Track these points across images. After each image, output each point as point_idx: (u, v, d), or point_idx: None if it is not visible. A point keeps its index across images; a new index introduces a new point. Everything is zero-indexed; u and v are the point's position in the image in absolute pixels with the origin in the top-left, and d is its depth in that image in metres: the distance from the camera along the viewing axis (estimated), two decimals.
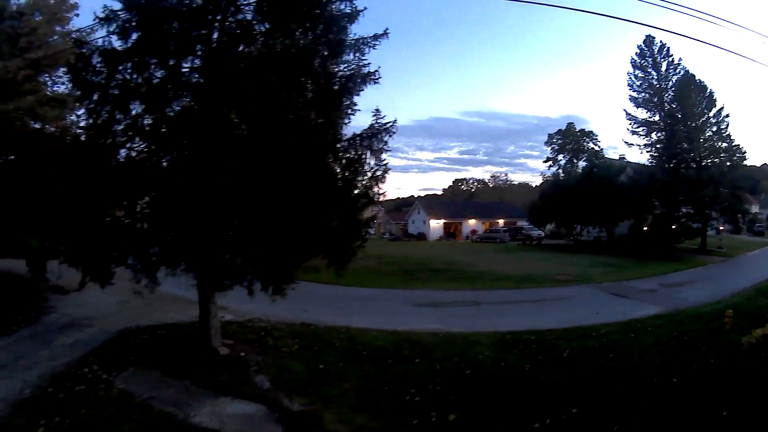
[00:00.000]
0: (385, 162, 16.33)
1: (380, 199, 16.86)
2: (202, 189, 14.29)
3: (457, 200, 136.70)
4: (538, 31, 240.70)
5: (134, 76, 15.27)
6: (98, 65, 15.22)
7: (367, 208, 16.99)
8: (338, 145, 16.04)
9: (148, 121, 15.64)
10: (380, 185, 16.44)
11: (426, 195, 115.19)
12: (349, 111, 16.27)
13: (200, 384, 14.08)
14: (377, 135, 15.97)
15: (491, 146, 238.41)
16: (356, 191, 16.35)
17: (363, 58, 15.94)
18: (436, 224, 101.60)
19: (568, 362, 15.30)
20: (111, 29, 14.97)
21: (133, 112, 15.52)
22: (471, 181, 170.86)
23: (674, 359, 15.35)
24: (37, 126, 25.31)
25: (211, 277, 15.43)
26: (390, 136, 16.07)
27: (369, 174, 16.31)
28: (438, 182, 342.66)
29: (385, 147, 16.26)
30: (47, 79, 27.23)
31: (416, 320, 21.78)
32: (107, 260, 15.21)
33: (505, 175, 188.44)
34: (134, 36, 15.10)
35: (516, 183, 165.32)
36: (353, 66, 16.01)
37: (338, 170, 16.13)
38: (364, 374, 14.65)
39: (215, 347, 16.39)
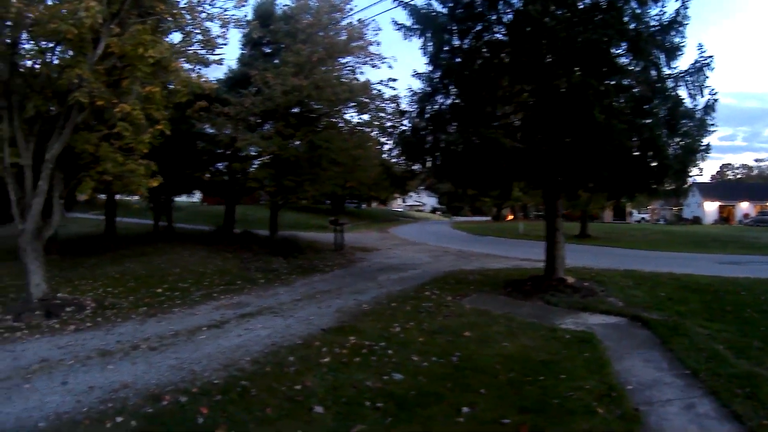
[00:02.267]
0: (715, 93, 14.59)
1: (714, 130, 15.39)
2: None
3: (730, 183, 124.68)
4: None
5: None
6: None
7: (705, 136, 15.19)
8: (663, 85, 14.66)
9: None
10: (712, 114, 14.87)
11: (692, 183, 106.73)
12: (668, 53, 14.77)
13: (553, 304, 14.00)
14: (701, 69, 14.41)
15: (748, 130, 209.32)
16: (690, 123, 15.01)
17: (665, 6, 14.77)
18: (709, 208, 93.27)
19: None
20: None
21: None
22: (737, 166, 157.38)
23: None
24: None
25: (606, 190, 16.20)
26: (711, 70, 14.51)
27: (701, 105, 14.76)
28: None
29: (705, 83, 14.59)
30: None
31: (725, 271, 20.62)
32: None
33: None
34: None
35: None
36: (659, 13, 14.76)
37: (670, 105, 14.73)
38: (703, 300, 14.66)
39: (562, 276, 16.32)
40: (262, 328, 11.36)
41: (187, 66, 15.29)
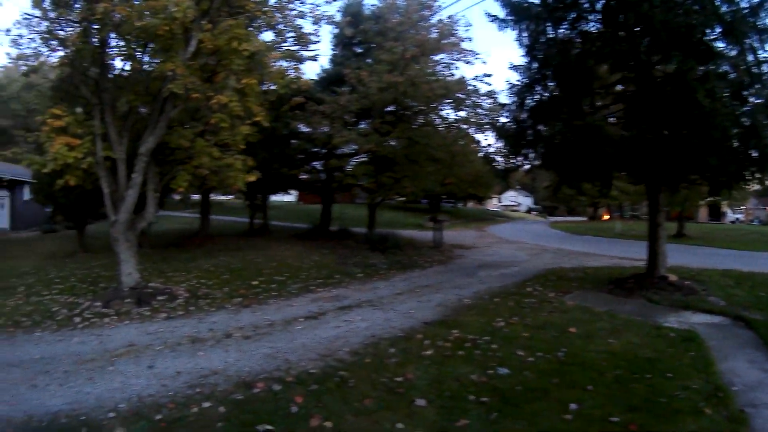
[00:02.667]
0: None
1: None
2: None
3: None
4: None
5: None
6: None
7: None
8: (760, 70, 13.84)
9: None
10: None
11: None
12: (762, 36, 13.76)
13: (655, 302, 13.62)
14: None
15: None
16: None
17: None
18: None
19: None
20: None
21: None
22: None
23: None
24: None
25: (709, 180, 15.25)
26: None
27: None
28: None
29: None
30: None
31: None
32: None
33: None
34: None
35: None
36: None
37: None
38: None
39: (664, 274, 15.70)
40: (362, 321, 11.26)
41: (284, 64, 15.55)
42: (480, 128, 24.85)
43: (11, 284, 16.62)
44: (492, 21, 15.34)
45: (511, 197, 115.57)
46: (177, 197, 27.33)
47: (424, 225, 38.10)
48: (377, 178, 23.78)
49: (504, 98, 19.08)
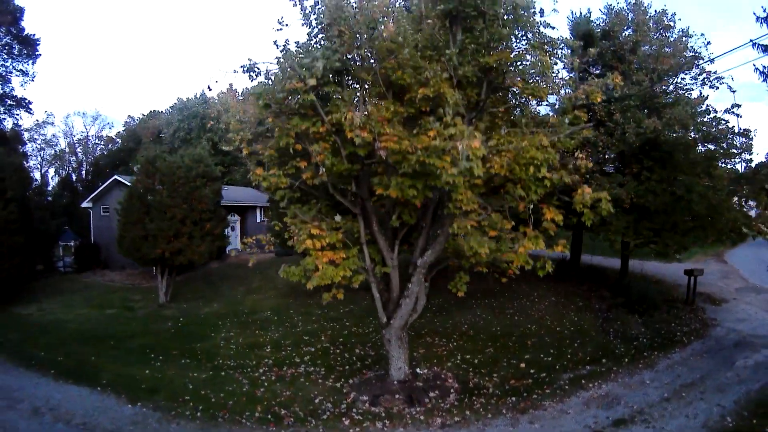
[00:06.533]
0: None
1: None
2: None
3: None
4: None
5: None
6: None
7: None
8: None
9: None
10: None
11: None
12: None
13: None
14: None
15: None
16: None
17: None
18: None
19: None
20: None
21: None
22: None
23: None
24: None
25: None
26: None
27: None
28: None
29: None
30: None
31: None
32: None
33: None
34: None
35: None
36: None
37: None
38: None
39: None
40: None
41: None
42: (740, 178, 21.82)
43: (256, 338, 18.34)
44: None
45: None
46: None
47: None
48: (635, 227, 21.65)
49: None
